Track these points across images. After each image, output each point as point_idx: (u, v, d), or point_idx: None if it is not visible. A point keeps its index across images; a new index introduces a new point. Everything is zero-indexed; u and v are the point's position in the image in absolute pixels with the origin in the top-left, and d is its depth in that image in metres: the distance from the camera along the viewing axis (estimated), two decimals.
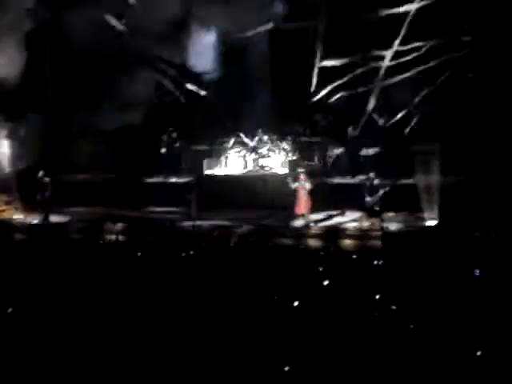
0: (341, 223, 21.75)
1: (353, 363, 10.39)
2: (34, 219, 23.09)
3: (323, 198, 22.65)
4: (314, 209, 22.36)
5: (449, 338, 10.99)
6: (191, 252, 17.46)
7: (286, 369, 10.16)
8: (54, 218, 23.18)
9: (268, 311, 12.74)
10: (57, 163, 25.06)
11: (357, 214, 22.18)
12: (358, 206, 21.95)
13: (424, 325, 11.53)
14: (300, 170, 22.90)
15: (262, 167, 24.78)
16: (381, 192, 21.17)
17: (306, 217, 21.91)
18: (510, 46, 22.42)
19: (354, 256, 17.43)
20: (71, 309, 13.07)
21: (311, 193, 21.92)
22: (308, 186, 21.95)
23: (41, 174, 23.12)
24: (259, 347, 10.98)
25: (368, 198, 21.29)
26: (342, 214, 22.62)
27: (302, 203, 21.92)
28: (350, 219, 22.05)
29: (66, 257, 17.50)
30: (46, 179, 23.10)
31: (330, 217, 22.51)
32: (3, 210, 24.30)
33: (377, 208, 21.25)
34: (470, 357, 10.33)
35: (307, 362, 10.49)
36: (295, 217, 22.01)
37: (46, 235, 20.99)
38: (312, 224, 21.67)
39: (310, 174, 22.71)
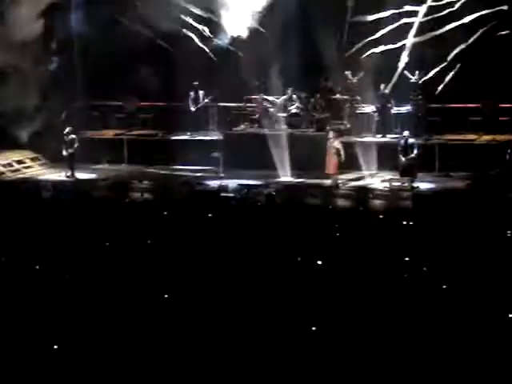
0: (372, 184, 21.41)
1: (381, 324, 10.25)
2: (60, 176, 22.96)
3: (353, 158, 22.35)
4: (344, 168, 22.09)
5: (481, 300, 10.83)
6: (218, 212, 17.38)
7: (314, 329, 10.07)
8: (80, 175, 23.05)
9: (294, 270, 12.65)
10: (83, 119, 24.88)
11: (388, 175, 21.83)
12: (391, 165, 21.63)
13: (456, 287, 11.37)
14: (329, 128, 22.56)
15: (291, 125, 24.38)
16: (415, 151, 20.84)
17: (335, 177, 21.55)
18: None
19: (384, 216, 17.31)
20: (96, 269, 13.04)
21: (340, 153, 21.53)
22: (337, 145, 21.60)
23: (68, 129, 22.96)
24: (286, 307, 10.89)
25: (401, 158, 20.98)
26: (374, 174, 22.30)
27: (331, 163, 21.56)
28: (382, 180, 21.67)
29: (91, 215, 17.48)
30: (73, 135, 22.94)
31: (360, 177, 22.16)
32: (29, 166, 24.19)
33: (409, 167, 20.93)
34: (502, 320, 10.16)
35: (334, 323, 10.36)
36: (324, 177, 21.68)
37: (72, 192, 20.88)
38: (340, 184, 21.32)
39: (339, 133, 22.28)
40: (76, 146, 22.89)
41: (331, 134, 21.99)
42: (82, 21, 25.67)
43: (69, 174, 22.85)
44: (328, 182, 21.49)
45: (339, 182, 21.49)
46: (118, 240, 15.07)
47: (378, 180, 21.82)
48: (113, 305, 11.17)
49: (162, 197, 20.35)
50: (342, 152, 21.52)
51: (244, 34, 25.55)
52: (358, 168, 22.43)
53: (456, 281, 11.68)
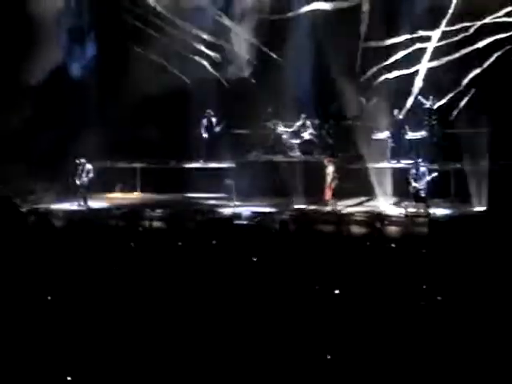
0: (374, 208, 21.24)
1: (396, 353, 10.09)
2: (74, 205, 22.90)
3: (361, 183, 22.23)
4: (345, 194, 22.00)
5: (497, 331, 10.62)
6: (231, 239, 17.25)
7: (328, 357, 9.89)
8: (93, 204, 23.00)
9: (310, 299, 12.50)
10: (97, 148, 24.87)
11: (391, 200, 21.83)
12: (405, 191, 21.49)
13: (471, 316, 11.18)
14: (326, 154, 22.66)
15: (304, 152, 24.29)
16: (428, 177, 20.68)
17: (331, 202, 21.49)
18: None
19: (399, 243, 17.11)
20: (109, 296, 12.94)
21: (334, 178, 21.44)
22: (331, 170, 21.63)
23: (81, 159, 22.94)
24: (301, 335, 10.75)
25: (414, 184, 20.81)
26: (372, 199, 22.17)
27: (326, 188, 21.57)
28: (385, 204, 21.54)
29: (105, 243, 17.38)
30: (87, 165, 22.92)
31: (359, 203, 22.01)
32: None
33: (423, 194, 20.76)
34: None
35: (349, 351, 10.21)
36: (323, 203, 21.63)
37: (85, 221, 20.81)
38: (336, 209, 21.18)
39: (333, 159, 22.31)
40: (91, 175, 22.87)
41: (325, 161, 21.96)
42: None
43: (82, 203, 22.81)
44: (327, 208, 21.42)
45: (338, 207, 21.38)
46: (131, 268, 14.98)
47: (381, 204, 21.71)
48: (121, 335, 11.04)
49: (174, 225, 20.25)
50: (336, 177, 21.61)
51: (257, 60, 25.62)
52: (371, 194, 22.33)
53: (472, 309, 11.50)
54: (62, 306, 12.44)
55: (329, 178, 21.77)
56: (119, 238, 18.37)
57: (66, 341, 10.81)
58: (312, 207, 21.75)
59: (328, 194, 21.77)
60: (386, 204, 21.75)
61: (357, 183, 22.67)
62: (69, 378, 9.60)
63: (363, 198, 22.36)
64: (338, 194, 21.89)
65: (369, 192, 22.30)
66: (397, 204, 21.36)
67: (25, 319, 11.76)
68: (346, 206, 21.71)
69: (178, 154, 25.01)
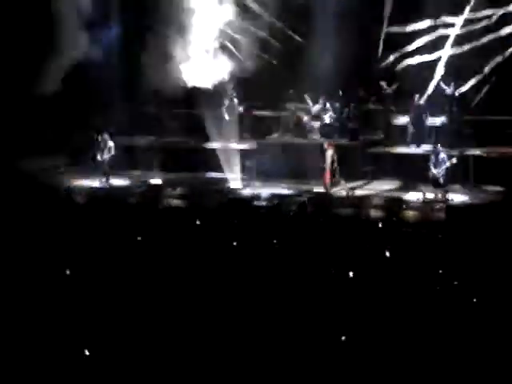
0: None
1: (411, 336, 10.24)
2: (95, 182, 23.09)
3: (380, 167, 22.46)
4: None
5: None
6: (250, 220, 17.40)
7: (343, 338, 10.08)
8: (115, 182, 23.19)
9: (326, 281, 12.64)
10: (118, 125, 25.01)
11: (391, 184, 22.02)
12: (425, 177, 21.55)
13: (488, 300, 11.30)
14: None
15: (324, 135, 24.37)
16: (447, 163, 20.70)
17: (327, 187, 21.75)
18: None
19: (417, 228, 17.22)
20: (127, 274, 13.11)
21: (334, 162, 21.81)
22: (329, 154, 21.81)
23: (104, 135, 23.08)
24: (317, 317, 10.89)
25: (433, 170, 20.85)
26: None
27: (326, 172, 21.76)
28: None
29: (125, 222, 17.58)
30: (109, 142, 23.06)
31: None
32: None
33: (442, 180, 20.79)
34: None
35: (364, 333, 10.37)
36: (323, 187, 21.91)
37: (106, 199, 21.01)
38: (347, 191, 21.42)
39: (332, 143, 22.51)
40: (113, 152, 23.01)
41: (325, 145, 22.17)
42: None
43: (103, 180, 22.98)
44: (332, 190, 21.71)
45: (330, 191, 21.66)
46: (151, 246, 15.16)
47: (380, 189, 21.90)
48: (141, 313, 11.24)
49: (195, 204, 20.42)
50: (335, 161, 21.84)
51: (279, 43, 25.66)
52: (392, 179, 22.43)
53: (488, 295, 11.62)
54: (79, 281, 12.67)
55: (328, 162, 21.93)
56: (140, 215, 18.58)
57: (82, 314, 11.01)
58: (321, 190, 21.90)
59: (327, 178, 21.92)
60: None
61: (377, 167, 22.84)
62: (86, 352, 9.82)
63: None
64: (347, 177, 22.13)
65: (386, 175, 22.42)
66: (416, 189, 21.40)
67: (44, 291, 11.99)
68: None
69: (200, 134, 25.12)
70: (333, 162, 21.93)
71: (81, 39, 24.10)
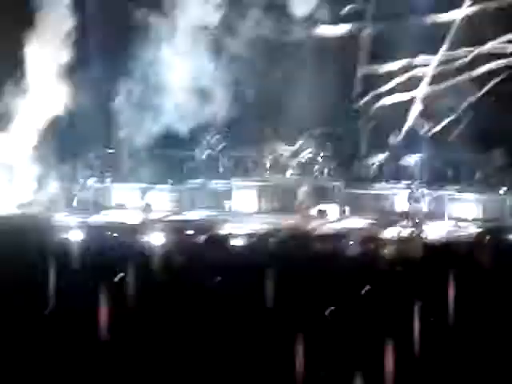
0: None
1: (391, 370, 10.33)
2: (76, 218, 23.09)
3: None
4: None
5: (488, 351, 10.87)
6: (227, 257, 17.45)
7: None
8: (94, 219, 23.24)
9: (305, 318, 12.67)
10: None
11: (365, 220, 22.24)
12: (399, 213, 21.73)
13: (468, 335, 11.42)
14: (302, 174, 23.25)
15: (302, 173, 24.59)
16: (424, 200, 20.92)
17: (301, 222, 21.95)
18: None
19: (393, 264, 17.30)
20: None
21: (309, 197, 22.29)
22: (303, 190, 22.13)
23: (86, 174, 23.23)
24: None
25: (410, 206, 21.05)
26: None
27: (299, 207, 22.16)
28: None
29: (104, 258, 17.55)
30: (91, 180, 23.20)
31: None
32: None
33: (418, 216, 20.99)
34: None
35: (343, 371, 10.44)
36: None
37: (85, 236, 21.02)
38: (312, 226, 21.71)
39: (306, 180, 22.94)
40: (93, 190, 23.11)
41: (299, 182, 22.54)
42: None
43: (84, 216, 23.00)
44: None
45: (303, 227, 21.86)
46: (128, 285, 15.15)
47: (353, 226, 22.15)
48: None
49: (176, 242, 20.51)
50: (308, 196, 22.30)
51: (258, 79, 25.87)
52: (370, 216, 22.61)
53: (465, 329, 11.75)
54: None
55: (301, 199, 22.29)
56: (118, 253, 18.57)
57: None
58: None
59: (300, 213, 22.30)
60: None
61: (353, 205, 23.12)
62: None
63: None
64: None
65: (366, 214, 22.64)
66: (393, 225, 21.57)
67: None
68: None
69: (179, 173, 25.21)
70: (306, 199, 22.22)
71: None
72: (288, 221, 22.23)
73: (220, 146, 25.33)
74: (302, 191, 22.33)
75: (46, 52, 24.09)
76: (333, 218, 23.03)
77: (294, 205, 22.57)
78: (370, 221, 22.35)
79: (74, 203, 23.51)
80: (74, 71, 24.49)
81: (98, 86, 24.80)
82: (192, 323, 12.69)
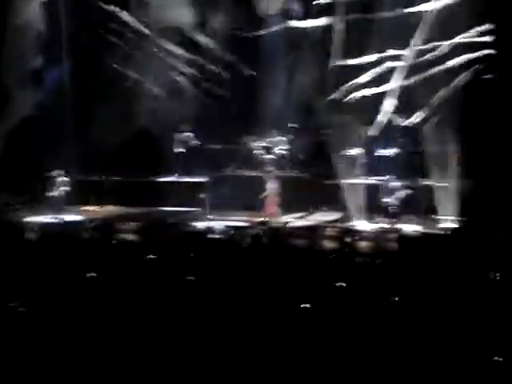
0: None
1: (363, 366, 10.27)
2: (47, 218, 22.97)
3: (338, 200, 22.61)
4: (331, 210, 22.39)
5: (464, 343, 10.85)
6: (202, 253, 17.33)
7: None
8: (68, 217, 23.09)
9: (279, 314, 12.62)
10: (71, 161, 24.97)
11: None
12: (376, 207, 21.80)
13: (439, 330, 11.39)
14: (269, 168, 23.13)
15: (276, 167, 24.60)
16: (399, 194, 20.99)
17: (270, 219, 22.06)
18: None
19: (369, 258, 17.30)
20: (77, 311, 12.97)
21: (276, 193, 22.27)
22: (273, 186, 22.13)
23: (56, 172, 23.04)
24: (267, 351, 10.87)
25: (385, 200, 21.12)
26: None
27: (268, 204, 22.07)
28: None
29: (77, 257, 17.42)
30: (62, 177, 23.01)
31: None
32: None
33: (394, 210, 21.07)
34: (486, 363, 10.19)
35: (316, 367, 10.38)
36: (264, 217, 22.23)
37: (58, 235, 20.85)
38: (279, 222, 21.77)
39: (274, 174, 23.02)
40: (65, 188, 22.96)
41: (266, 176, 22.49)
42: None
43: (55, 216, 22.90)
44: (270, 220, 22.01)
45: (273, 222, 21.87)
46: (105, 282, 15.06)
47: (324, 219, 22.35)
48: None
49: (148, 238, 20.35)
50: (277, 192, 22.37)
51: (230, 76, 25.90)
52: (343, 209, 22.62)
53: (441, 325, 11.74)
54: (33, 319, 12.51)
55: (267, 193, 22.48)
56: (93, 250, 18.45)
57: (35, 355, 10.87)
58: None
59: (267, 208, 22.41)
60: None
61: (328, 198, 23.13)
62: None
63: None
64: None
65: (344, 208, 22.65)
66: (368, 220, 21.65)
67: None
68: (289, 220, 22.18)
69: (153, 168, 25.19)
70: (273, 193, 22.26)
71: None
72: (259, 216, 22.34)
73: (193, 142, 25.30)
74: (271, 186, 22.35)
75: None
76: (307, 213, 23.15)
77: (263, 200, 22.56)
78: (344, 214, 22.44)
79: None
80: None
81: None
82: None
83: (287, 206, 22.89)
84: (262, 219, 22.08)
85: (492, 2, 23.09)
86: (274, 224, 21.85)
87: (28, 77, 24.18)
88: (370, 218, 21.63)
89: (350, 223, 21.55)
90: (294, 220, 22.28)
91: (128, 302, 13.33)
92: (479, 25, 23.86)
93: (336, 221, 22.07)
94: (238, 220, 22.09)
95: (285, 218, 22.34)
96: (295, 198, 23.37)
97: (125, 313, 12.69)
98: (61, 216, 22.90)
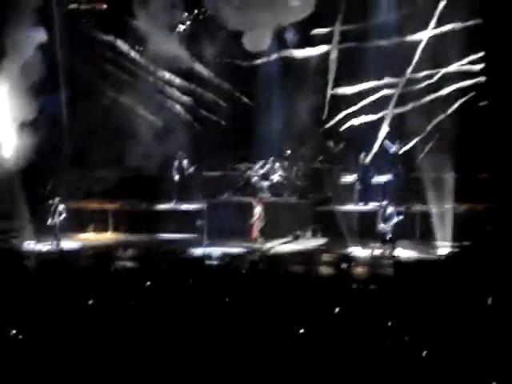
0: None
1: None
2: (46, 245, 23.05)
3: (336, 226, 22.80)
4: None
5: (461, 368, 10.92)
6: (201, 279, 17.40)
7: None
8: (66, 245, 23.17)
9: (277, 339, 12.68)
10: (69, 189, 25.10)
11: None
12: (373, 233, 21.88)
13: (436, 355, 11.44)
14: (258, 194, 23.56)
15: (274, 194, 24.73)
16: (395, 220, 21.09)
17: (254, 242, 22.33)
18: None
19: (365, 284, 17.34)
20: (77, 338, 13.02)
21: (261, 218, 22.45)
22: (257, 210, 22.27)
23: (55, 200, 23.13)
24: (265, 376, 10.93)
25: (381, 226, 21.20)
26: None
27: (253, 227, 22.37)
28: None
29: (76, 285, 17.47)
30: (60, 205, 23.09)
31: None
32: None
33: (390, 235, 21.15)
34: None
35: None
36: (250, 242, 22.50)
37: (57, 262, 20.92)
38: (264, 248, 21.98)
39: (260, 199, 23.16)
40: (63, 216, 23.05)
41: (254, 201, 22.74)
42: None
43: (54, 243, 22.97)
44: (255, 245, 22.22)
45: (257, 248, 22.13)
46: (103, 308, 15.11)
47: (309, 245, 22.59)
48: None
49: (146, 265, 20.42)
50: (263, 218, 22.49)
51: (228, 104, 26.10)
52: (340, 236, 22.71)
53: (437, 349, 11.82)
54: (32, 347, 12.56)
55: (255, 218, 22.53)
56: (91, 278, 18.51)
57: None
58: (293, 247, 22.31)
59: (255, 233, 22.52)
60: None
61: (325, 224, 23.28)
62: None
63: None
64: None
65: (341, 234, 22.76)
66: (364, 245, 21.74)
67: None
68: (275, 245, 22.35)
69: (151, 196, 25.33)
70: (260, 219, 22.41)
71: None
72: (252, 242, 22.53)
73: (190, 169, 25.44)
74: (258, 211, 22.54)
75: None
76: (302, 238, 23.32)
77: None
78: (330, 240, 22.63)
79: None
80: None
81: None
82: None
83: (277, 232, 23.05)
84: (249, 244, 22.28)
85: (483, 31, 23.34)
86: (269, 250, 22.03)
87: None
88: (365, 244, 21.72)
89: (346, 249, 21.66)
90: (278, 245, 22.47)
91: (126, 330, 13.41)
92: (472, 53, 24.09)
93: (323, 246, 22.26)
94: (235, 246, 22.23)
95: (270, 244, 22.50)
96: (287, 223, 23.53)
97: (123, 340, 12.77)
98: (59, 243, 22.99)
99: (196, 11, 25.36)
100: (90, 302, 15.46)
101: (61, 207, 23.07)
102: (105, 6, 26.19)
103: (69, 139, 25.77)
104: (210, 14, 25.12)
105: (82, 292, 16.39)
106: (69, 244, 23.26)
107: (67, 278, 18.10)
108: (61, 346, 12.48)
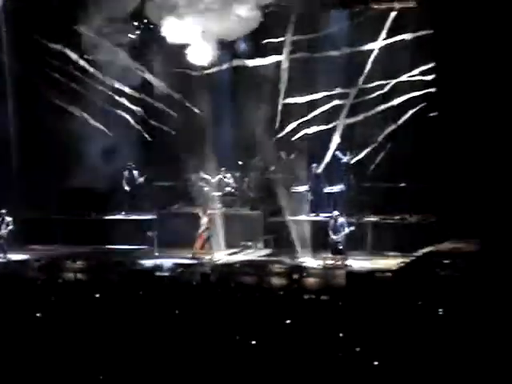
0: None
1: None
2: None
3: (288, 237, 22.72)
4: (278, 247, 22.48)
5: (412, 379, 10.91)
6: (151, 291, 17.24)
7: None
8: (13, 256, 22.82)
9: (229, 350, 12.58)
10: (16, 200, 24.72)
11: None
12: (324, 243, 21.86)
13: (387, 366, 11.42)
14: (204, 205, 23.39)
15: (225, 204, 24.62)
16: (346, 230, 21.11)
17: (198, 254, 22.21)
18: (472, 85, 22.50)
19: (317, 294, 17.31)
20: (25, 351, 12.81)
21: (209, 229, 22.51)
22: (204, 221, 22.22)
23: (2, 211, 22.80)
24: None
25: (332, 236, 21.21)
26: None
27: (198, 238, 22.36)
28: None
29: (24, 297, 17.19)
30: (7, 217, 22.76)
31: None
32: None
33: (341, 246, 21.16)
34: None
35: None
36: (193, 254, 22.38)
37: (4, 274, 20.59)
38: (211, 259, 21.94)
39: (207, 210, 22.98)
40: (10, 227, 22.73)
41: (200, 212, 22.60)
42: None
43: (1, 255, 22.63)
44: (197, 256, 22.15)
45: (200, 259, 22.07)
46: (51, 320, 14.88)
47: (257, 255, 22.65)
48: None
49: (95, 277, 20.18)
50: (209, 228, 22.47)
51: (178, 113, 25.96)
52: (292, 246, 22.65)
53: (388, 360, 11.79)
54: None
55: (201, 229, 22.43)
56: (38, 290, 18.23)
57: None
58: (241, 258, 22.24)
59: (198, 244, 22.39)
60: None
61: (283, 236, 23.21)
62: None
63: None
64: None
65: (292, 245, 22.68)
66: (316, 256, 21.71)
67: None
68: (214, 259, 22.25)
69: (100, 206, 25.07)
70: (206, 230, 22.32)
71: None
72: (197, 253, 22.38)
73: (140, 180, 25.25)
74: (204, 222, 22.44)
75: None
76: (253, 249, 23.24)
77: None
78: (292, 250, 22.52)
79: None
80: None
81: None
82: None
83: (227, 243, 22.97)
84: (192, 255, 22.13)
85: (434, 42, 23.51)
86: (218, 261, 21.89)
87: None
88: (316, 255, 21.69)
89: (298, 260, 21.61)
90: (226, 256, 22.40)
91: (74, 342, 13.19)
92: (422, 64, 24.23)
93: (275, 256, 22.20)
94: (186, 257, 22.06)
95: (217, 255, 22.40)
96: (238, 234, 23.44)
97: (71, 352, 12.55)
98: (6, 255, 22.65)
99: (145, 20, 25.13)
100: (38, 314, 15.23)
101: (7, 219, 22.77)
102: None
103: (16, 150, 25.36)
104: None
105: (29, 304, 16.13)
106: (16, 256, 22.91)
107: (14, 289, 17.82)
108: (8, 360, 12.26)
